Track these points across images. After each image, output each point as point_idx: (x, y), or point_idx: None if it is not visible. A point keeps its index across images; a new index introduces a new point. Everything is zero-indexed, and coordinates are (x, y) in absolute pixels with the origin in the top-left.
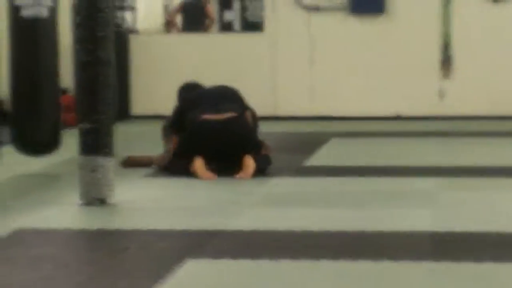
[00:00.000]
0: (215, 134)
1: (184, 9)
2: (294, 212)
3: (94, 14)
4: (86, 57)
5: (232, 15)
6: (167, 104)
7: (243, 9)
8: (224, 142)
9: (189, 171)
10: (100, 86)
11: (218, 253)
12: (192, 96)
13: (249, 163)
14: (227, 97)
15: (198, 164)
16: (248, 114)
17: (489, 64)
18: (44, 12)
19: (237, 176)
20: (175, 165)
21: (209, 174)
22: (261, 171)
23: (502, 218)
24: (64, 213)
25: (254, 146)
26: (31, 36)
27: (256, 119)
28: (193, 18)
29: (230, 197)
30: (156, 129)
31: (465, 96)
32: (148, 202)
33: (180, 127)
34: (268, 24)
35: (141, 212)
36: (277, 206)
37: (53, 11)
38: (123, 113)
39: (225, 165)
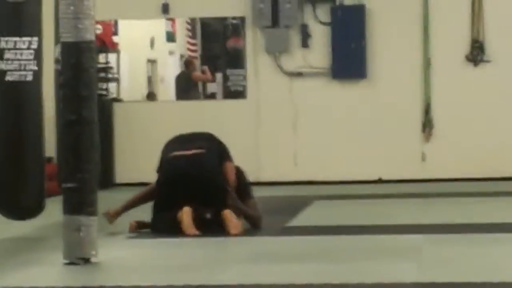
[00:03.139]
0: (181, 169)
1: (176, 80)
2: (278, 268)
3: (79, 74)
4: (71, 116)
5: (214, 87)
6: (151, 171)
7: (225, 79)
8: (190, 177)
9: (175, 223)
10: (84, 145)
11: None
12: (170, 140)
13: (231, 218)
14: (200, 137)
15: (185, 215)
16: (229, 166)
17: (469, 127)
18: (28, 77)
19: (231, 232)
20: (159, 221)
21: (193, 229)
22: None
23: (485, 270)
24: (48, 272)
25: (221, 189)
26: (16, 100)
27: (241, 176)
28: (184, 88)
29: (214, 255)
30: None
31: (446, 158)
32: (133, 261)
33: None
34: (251, 91)
35: (125, 270)
36: (262, 263)
37: (38, 75)
38: (108, 181)
39: (207, 216)
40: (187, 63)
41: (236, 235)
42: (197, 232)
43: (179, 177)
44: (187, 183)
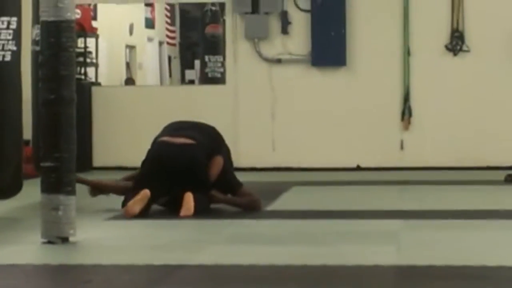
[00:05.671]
0: (166, 156)
1: None
2: (257, 249)
3: (58, 53)
4: (49, 95)
5: (193, 74)
6: (128, 155)
7: (203, 65)
8: (172, 166)
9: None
10: (63, 124)
11: (181, 285)
12: (168, 124)
13: (189, 200)
14: (195, 128)
15: (142, 195)
16: (215, 161)
17: (447, 116)
18: (7, 57)
19: (181, 214)
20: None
21: (134, 208)
22: (199, 211)
23: (463, 254)
24: (26, 250)
25: (202, 182)
26: None
27: (227, 170)
28: None
29: (192, 236)
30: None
31: (425, 147)
32: (110, 241)
33: None
34: (229, 76)
35: (104, 249)
36: (241, 244)
37: (16, 55)
38: (85, 164)
39: (173, 200)
40: None
41: (184, 216)
42: (137, 213)
43: (161, 162)
44: (168, 171)
